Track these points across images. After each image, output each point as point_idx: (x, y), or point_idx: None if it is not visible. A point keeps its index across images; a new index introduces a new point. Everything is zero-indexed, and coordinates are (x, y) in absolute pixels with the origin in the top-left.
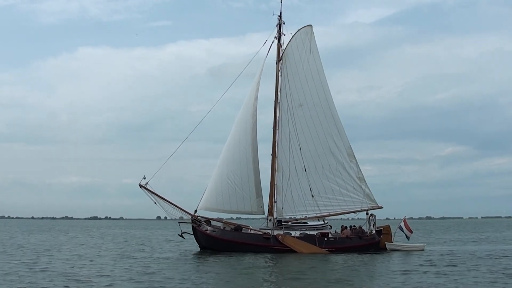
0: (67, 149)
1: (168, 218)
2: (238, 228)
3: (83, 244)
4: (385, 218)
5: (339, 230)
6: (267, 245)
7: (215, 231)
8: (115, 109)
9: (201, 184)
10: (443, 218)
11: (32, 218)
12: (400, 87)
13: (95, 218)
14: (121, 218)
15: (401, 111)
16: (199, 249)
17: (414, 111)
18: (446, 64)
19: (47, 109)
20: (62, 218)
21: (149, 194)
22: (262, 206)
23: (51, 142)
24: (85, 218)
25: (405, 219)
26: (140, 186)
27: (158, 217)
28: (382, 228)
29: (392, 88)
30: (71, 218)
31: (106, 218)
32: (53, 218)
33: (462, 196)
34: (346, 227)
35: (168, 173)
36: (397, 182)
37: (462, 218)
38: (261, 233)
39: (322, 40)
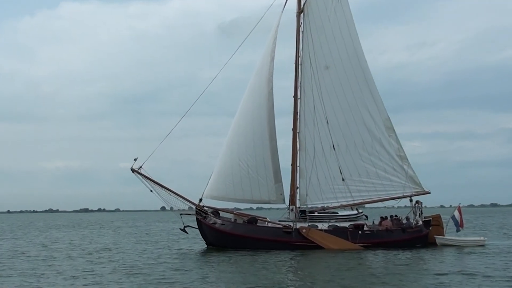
0: (50, 127)
1: (174, 208)
2: (253, 220)
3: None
4: (438, 205)
5: (377, 221)
6: (288, 240)
7: (224, 224)
8: (109, 78)
9: (214, 166)
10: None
11: (8, 212)
12: (457, 44)
13: (86, 210)
14: (117, 210)
15: (459, 73)
16: (206, 246)
17: (475, 73)
18: None
19: (26, 79)
20: (45, 211)
21: (143, 179)
22: (282, 194)
23: (31, 120)
24: (74, 211)
25: (459, 207)
26: (133, 170)
27: (163, 208)
28: (431, 218)
29: (448, 45)
30: (56, 211)
31: (99, 210)
32: (34, 211)
33: None
34: (385, 218)
35: (174, 155)
36: (452, 161)
37: None
38: (281, 226)
39: None
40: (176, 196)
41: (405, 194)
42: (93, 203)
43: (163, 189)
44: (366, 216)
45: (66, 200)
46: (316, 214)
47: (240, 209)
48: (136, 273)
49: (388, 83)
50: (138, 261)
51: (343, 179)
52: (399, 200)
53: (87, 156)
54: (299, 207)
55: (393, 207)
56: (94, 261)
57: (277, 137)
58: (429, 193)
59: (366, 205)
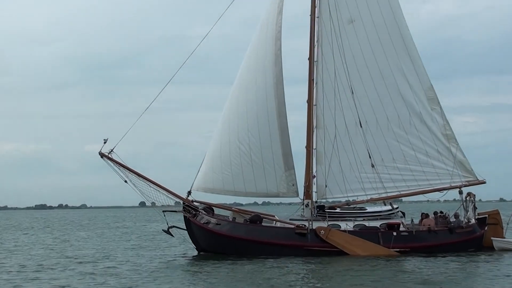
0: None
1: (156, 204)
2: (257, 219)
3: None
4: (497, 199)
5: (416, 220)
6: (302, 244)
7: (220, 224)
8: (73, 38)
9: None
10: None
11: None
12: None
13: (43, 206)
14: (84, 206)
15: None
16: (196, 252)
17: None
18: None
19: None
20: None
21: (115, 167)
22: (294, 184)
23: None
24: (27, 208)
25: None
26: (101, 155)
27: (142, 204)
28: (487, 216)
29: None
30: (5, 207)
31: (60, 206)
32: None
33: None
34: (428, 215)
35: (156, 134)
36: None
37: None
38: (293, 226)
39: None
40: (158, 188)
41: (453, 185)
42: (52, 197)
43: (141, 178)
44: (403, 213)
45: (18, 194)
46: (338, 210)
47: (241, 205)
48: None
49: (432, 42)
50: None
51: (373, 165)
52: (445, 192)
53: (44, 137)
54: (316, 202)
55: (437, 201)
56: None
57: (287, 111)
58: (485, 182)
59: (403, 199)
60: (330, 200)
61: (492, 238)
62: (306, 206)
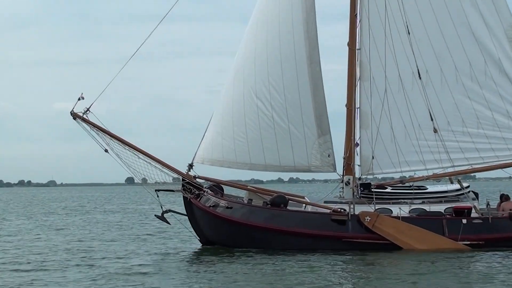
0: None
1: (148, 181)
2: (280, 201)
3: None
4: None
5: (494, 203)
6: (341, 235)
7: (231, 207)
8: None
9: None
10: None
11: None
12: None
13: None
14: (52, 184)
15: None
16: (200, 245)
17: None
18: None
19: None
20: None
21: (93, 131)
22: (330, 155)
23: None
24: None
25: None
26: (75, 115)
27: (129, 180)
28: None
29: None
30: None
31: (20, 183)
32: None
33: None
34: (508, 197)
35: (148, 89)
36: None
37: None
38: (329, 211)
39: None
40: (149, 160)
41: None
42: (11, 172)
43: (127, 147)
44: (476, 194)
45: None
46: (389, 190)
47: (260, 182)
48: None
49: None
50: None
51: (435, 130)
52: None
53: (2, 92)
54: (359, 179)
55: None
56: None
57: (321, 58)
58: None
59: (476, 175)
60: (378, 177)
61: None
62: (346, 184)
